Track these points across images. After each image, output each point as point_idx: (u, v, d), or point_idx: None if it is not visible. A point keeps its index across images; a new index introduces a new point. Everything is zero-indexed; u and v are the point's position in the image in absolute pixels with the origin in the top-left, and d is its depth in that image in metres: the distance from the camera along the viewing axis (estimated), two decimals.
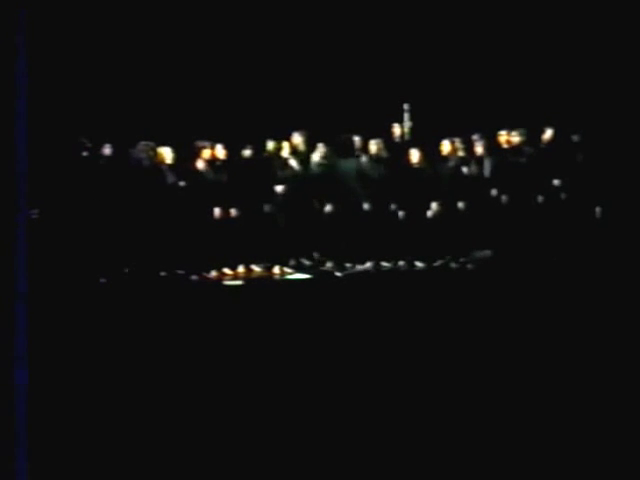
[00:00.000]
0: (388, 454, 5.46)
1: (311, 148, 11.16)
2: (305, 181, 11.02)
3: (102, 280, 9.93)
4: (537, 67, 12.19)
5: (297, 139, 11.13)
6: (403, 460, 5.37)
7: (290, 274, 10.76)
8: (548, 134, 11.22)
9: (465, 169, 11.10)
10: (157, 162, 10.62)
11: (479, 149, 11.14)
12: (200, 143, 10.85)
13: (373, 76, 12.20)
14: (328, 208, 11.02)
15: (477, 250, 10.91)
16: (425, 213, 11.07)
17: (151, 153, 10.62)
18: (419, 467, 5.30)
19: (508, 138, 11.25)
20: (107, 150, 10.49)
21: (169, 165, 10.64)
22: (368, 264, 10.95)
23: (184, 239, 10.50)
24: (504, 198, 11.07)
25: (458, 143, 11.12)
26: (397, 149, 11.33)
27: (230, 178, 10.79)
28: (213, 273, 10.59)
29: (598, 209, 11.02)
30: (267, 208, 10.87)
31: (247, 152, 10.93)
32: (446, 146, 11.12)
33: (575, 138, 11.16)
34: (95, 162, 10.49)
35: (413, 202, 11.06)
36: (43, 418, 4.84)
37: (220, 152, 10.82)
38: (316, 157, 11.12)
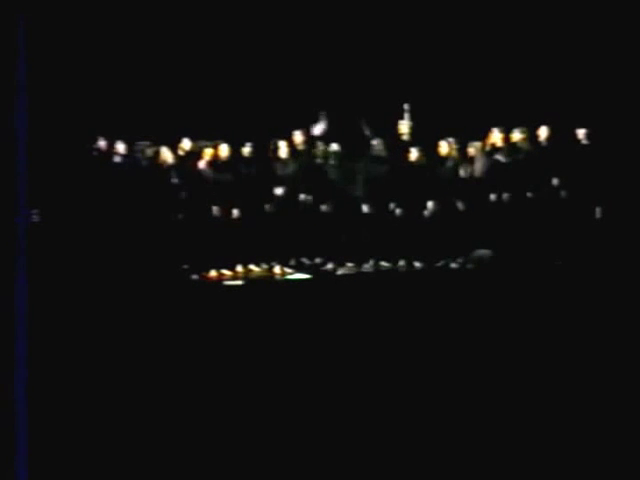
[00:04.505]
0: (388, 453, 5.46)
1: (311, 148, 11.19)
2: (309, 180, 11.05)
3: (102, 280, 9.93)
4: (537, 67, 12.17)
5: (298, 138, 11.15)
6: (403, 459, 5.37)
7: (290, 274, 10.76)
8: (547, 133, 11.22)
9: (464, 169, 11.11)
10: (157, 162, 10.64)
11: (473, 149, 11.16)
12: (202, 143, 10.87)
13: (373, 76, 12.20)
14: (327, 208, 11.04)
15: (477, 250, 10.90)
16: (424, 212, 11.07)
17: (149, 153, 10.63)
18: (419, 466, 5.30)
19: (508, 137, 11.25)
20: (105, 149, 10.54)
21: (170, 165, 10.65)
22: (369, 264, 10.97)
23: (185, 239, 10.51)
24: (504, 197, 11.07)
25: (452, 143, 11.14)
26: (398, 149, 11.33)
27: (232, 178, 10.81)
28: (213, 273, 10.60)
29: (598, 209, 11.01)
30: (268, 208, 10.90)
31: (247, 151, 10.96)
32: (444, 146, 11.13)
33: (575, 137, 11.16)
34: (95, 162, 10.52)
35: (413, 201, 11.07)
36: (43, 419, 4.85)
37: (224, 152, 10.82)
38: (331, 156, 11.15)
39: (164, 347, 7.51)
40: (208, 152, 10.79)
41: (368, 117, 11.44)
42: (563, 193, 11.07)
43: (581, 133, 11.12)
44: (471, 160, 11.15)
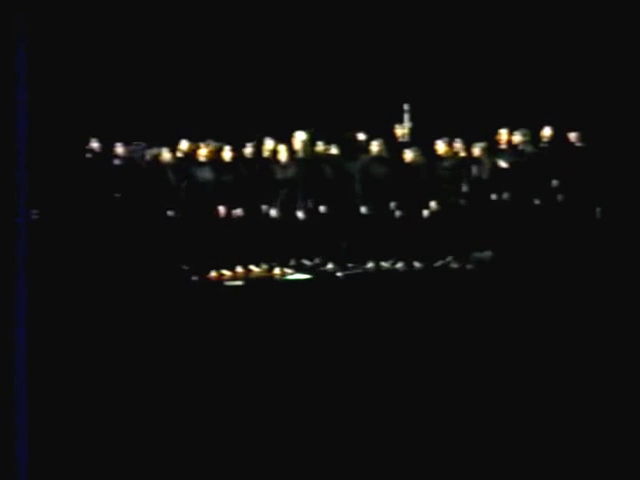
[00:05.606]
0: (388, 454, 5.46)
1: (312, 148, 11.20)
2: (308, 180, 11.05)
3: (102, 280, 9.93)
4: (537, 67, 12.18)
5: (298, 139, 11.15)
6: (403, 460, 5.37)
7: (290, 274, 10.76)
8: (547, 134, 11.22)
9: (466, 169, 11.11)
10: (157, 163, 10.65)
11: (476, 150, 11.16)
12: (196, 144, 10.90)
13: (373, 76, 12.20)
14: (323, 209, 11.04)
15: (477, 251, 10.90)
16: (424, 213, 11.07)
17: (146, 153, 10.65)
18: (419, 467, 5.30)
19: (509, 138, 11.25)
20: (100, 148, 10.56)
21: (170, 166, 10.65)
22: (369, 264, 10.97)
23: (185, 240, 10.52)
24: (505, 198, 11.08)
25: (457, 144, 11.13)
26: (398, 149, 11.33)
27: (233, 178, 10.81)
28: (213, 273, 10.60)
29: (598, 209, 11.01)
30: (267, 208, 10.90)
31: (248, 151, 10.96)
32: (442, 146, 11.13)
33: (575, 138, 11.16)
34: (95, 162, 10.53)
35: (413, 202, 11.07)
36: (43, 419, 4.85)
37: (227, 153, 10.81)
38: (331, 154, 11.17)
39: (164, 347, 7.51)
40: (208, 153, 10.80)
41: (368, 118, 11.45)
42: (564, 194, 11.07)
43: (583, 135, 11.14)
44: (474, 160, 11.15)
